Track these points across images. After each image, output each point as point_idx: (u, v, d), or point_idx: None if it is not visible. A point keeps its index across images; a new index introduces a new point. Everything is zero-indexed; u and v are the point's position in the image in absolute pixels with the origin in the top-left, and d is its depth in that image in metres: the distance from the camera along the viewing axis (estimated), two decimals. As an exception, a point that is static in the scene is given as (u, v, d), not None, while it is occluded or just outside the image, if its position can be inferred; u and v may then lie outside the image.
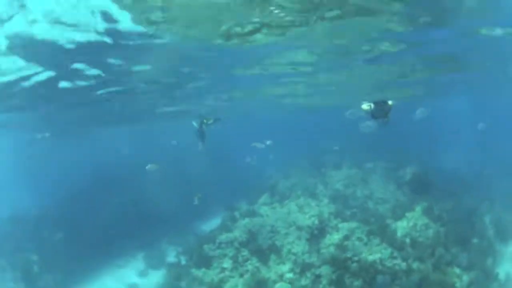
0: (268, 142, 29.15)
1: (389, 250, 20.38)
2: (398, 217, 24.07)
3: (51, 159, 59.71)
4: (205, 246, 22.52)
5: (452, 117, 63.09)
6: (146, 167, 23.72)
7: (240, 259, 21.26)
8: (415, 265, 19.91)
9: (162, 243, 33.09)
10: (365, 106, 17.62)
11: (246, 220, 23.89)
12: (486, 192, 30.67)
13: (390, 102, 17.22)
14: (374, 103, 17.27)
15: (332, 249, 20.53)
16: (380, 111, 17.26)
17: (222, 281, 20.28)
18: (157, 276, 27.28)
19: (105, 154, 49.48)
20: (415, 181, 29.72)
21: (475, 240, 23.48)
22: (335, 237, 21.47)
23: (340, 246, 20.60)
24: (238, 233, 22.46)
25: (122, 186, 37.42)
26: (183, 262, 23.84)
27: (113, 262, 31.56)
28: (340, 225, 22.72)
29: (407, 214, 24.08)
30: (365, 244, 20.94)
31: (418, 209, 24.45)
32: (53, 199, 38.15)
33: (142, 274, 30.13)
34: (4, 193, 47.88)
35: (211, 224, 29.02)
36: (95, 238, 31.40)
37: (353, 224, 22.49)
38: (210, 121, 24.30)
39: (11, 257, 28.75)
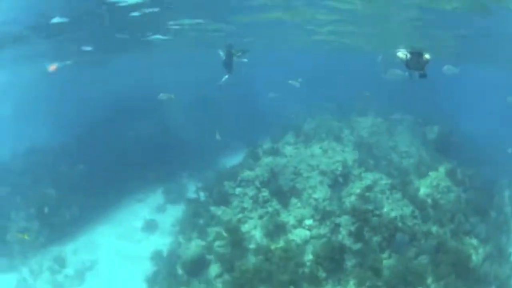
0: (300, 80, 28.12)
1: (411, 208, 19.95)
2: (422, 175, 23.58)
3: (70, 90, 58.80)
4: (226, 183, 22.04)
5: (484, 86, 61.51)
6: (158, 96, 22.30)
7: (260, 199, 20.80)
8: (434, 228, 19.54)
9: (182, 177, 32.99)
10: (401, 54, 16.51)
11: (269, 158, 23.28)
12: (507, 169, 30.23)
13: (427, 56, 16.08)
14: (411, 53, 16.23)
15: (353, 198, 20.12)
16: (416, 63, 16.20)
17: (240, 222, 19.98)
18: (176, 211, 27.24)
19: (125, 84, 48.48)
20: (440, 141, 29.11)
21: (493, 214, 23.07)
22: (358, 186, 21.02)
23: (362, 197, 20.14)
24: (260, 172, 21.89)
25: (143, 117, 36.81)
26: (203, 198, 23.29)
27: (132, 196, 31.62)
28: (363, 175, 22.20)
29: (430, 173, 23.62)
30: (387, 198, 20.53)
31: (442, 169, 23.92)
32: (71, 132, 37.57)
33: (160, 209, 30.22)
34: (21, 126, 47.49)
35: (234, 160, 28.50)
36: (114, 171, 31.20)
37: (376, 175, 21.96)
38: (238, 53, 23.25)
39: (27, 192, 28.19)
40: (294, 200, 20.63)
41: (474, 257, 18.71)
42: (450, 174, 23.59)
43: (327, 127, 27.68)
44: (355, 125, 28.74)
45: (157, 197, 31.52)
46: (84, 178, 30.48)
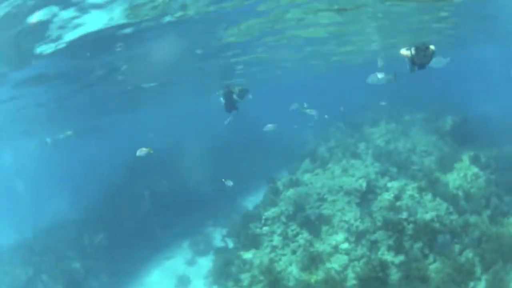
0: (305, 105, 27.68)
1: (444, 205, 19.33)
2: (447, 169, 22.97)
3: (78, 159, 59.38)
4: (251, 225, 21.56)
5: (484, 65, 61.00)
6: (137, 153, 20.56)
7: (289, 234, 20.22)
8: (472, 219, 18.85)
9: (206, 226, 32.68)
10: (405, 51, 16.01)
11: (290, 191, 22.72)
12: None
13: (432, 47, 15.73)
14: (416, 47, 15.73)
15: (384, 212, 19.59)
16: (423, 57, 15.74)
17: (273, 261, 19.30)
18: (206, 262, 27.02)
19: (131, 143, 48.80)
20: (456, 130, 28.58)
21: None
22: (386, 198, 20.45)
23: (393, 208, 19.60)
24: (284, 207, 21.31)
25: (156, 174, 36.72)
26: (231, 245, 22.95)
27: (159, 255, 31.23)
28: (389, 184, 21.69)
29: (455, 165, 23.05)
30: (418, 202, 19.97)
31: (465, 158, 23.30)
32: (87, 200, 37.60)
33: (190, 263, 29.87)
34: (38, 202, 47.74)
35: (255, 199, 28.33)
36: (137, 233, 31.08)
37: (402, 182, 21.47)
38: (236, 90, 23.09)
39: (53, 269, 28.17)
40: (324, 227, 20.01)
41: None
42: (474, 160, 22.94)
43: (342, 146, 27.30)
44: (369, 137, 28.37)
45: (184, 251, 31.20)
46: (107, 245, 30.30)
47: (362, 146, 27.01)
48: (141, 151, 20.33)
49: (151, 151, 20.15)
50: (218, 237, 28.81)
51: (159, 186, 35.62)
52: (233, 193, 33.50)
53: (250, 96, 23.23)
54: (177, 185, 35.54)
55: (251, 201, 31.43)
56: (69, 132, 45.64)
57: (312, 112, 26.87)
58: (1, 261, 29.85)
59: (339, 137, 29.65)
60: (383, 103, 32.16)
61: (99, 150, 56.74)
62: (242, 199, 34.55)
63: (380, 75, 19.90)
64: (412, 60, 15.94)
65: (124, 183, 37.09)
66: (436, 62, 17.63)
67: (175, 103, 48.42)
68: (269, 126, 24.53)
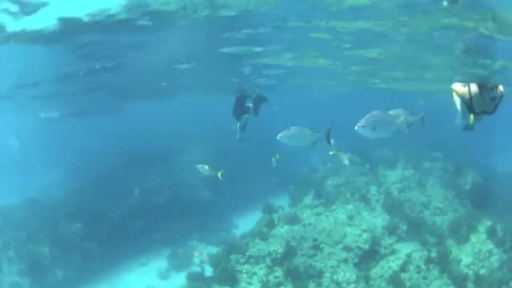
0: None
1: (451, 288, 17.33)
2: (460, 239, 20.87)
3: (70, 140, 57.97)
4: (233, 257, 19.43)
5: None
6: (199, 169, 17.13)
7: (271, 282, 18.03)
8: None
9: (190, 239, 30.53)
10: (460, 87, 10.23)
11: (285, 228, 20.54)
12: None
13: (501, 88, 9.88)
14: (479, 85, 9.93)
15: (384, 283, 17.43)
16: (489, 100, 9.93)
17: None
18: (179, 280, 24.68)
19: (131, 133, 46.76)
20: (476, 192, 26.23)
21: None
22: (390, 266, 18.32)
23: (396, 281, 17.47)
24: (273, 246, 19.18)
25: (152, 171, 34.73)
26: (207, 273, 20.71)
27: (134, 258, 29.19)
28: (395, 246, 19.58)
29: (471, 237, 20.92)
30: (424, 277, 17.91)
31: (482, 229, 21.13)
32: (74, 184, 35.74)
33: (164, 276, 27.87)
34: (18, 176, 46.47)
35: (247, 220, 26.60)
36: (117, 230, 29.01)
37: (411, 246, 19.37)
38: (252, 96, 20.86)
39: (21, 248, 26.56)
40: (311, 284, 17.77)
41: None
42: (490, 233, 20.72)
43: (352, 185, 25.10)
44: (383, 180, 26.10)
45: (161, 261, 28.99)
46: (82, 236, 28.49)
47: (373, 190, 24.77)
48: (204, 169, 16.96)
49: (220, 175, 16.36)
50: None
51: (152, 185, 33.41)
52: (227, 209, 31.91)
53: (275, 107, 21.16)
54: (170, 187, 33.47)
55: (243, 222, 30.19)
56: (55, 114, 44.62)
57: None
58: None
59: (350, 172, 27.39)
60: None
61: (95, 135, 55.12)
62: (235, 217, 32.75)
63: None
64: (469, 104, 10.27)
65: (115, 175, 34.93)
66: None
67: (190, 97, 46.20)
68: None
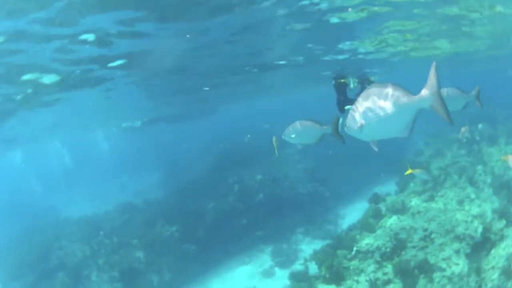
0: None
1: None
2: None
3: (165, 145, 58.90)
4: (339, 252, 18.75)
5: None
6: None
7: (380, 280, 17.15)
8: None
9: (295, 234, 30.14)
10: None
11: (393, 218, 20.20)
12: None
13: None
14: None
15: (496, 275, 16.47)
16: None
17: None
18: (283, 279, 24.15)
19: (227, 133, 47.09)
20: None
21: None
22: (501, 253, 17.31)
23: (508, 272, 16.53)
24: (381, 240, 18.67)
25: (251, 167, 34.77)
26: (312, 271, 20.64)
27: (235, 258, 29.11)
28: (505, 232, 18.52)
29: None
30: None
31: None
32: (169, 186, 36.43)
33: (267, 274, 27.28)
34: (115, 179, 47.48)
35: (353, 210, 26.09)
36: (216, 231, 29.28)
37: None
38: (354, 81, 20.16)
39: (112, 255, 27.29)
40: (422, 281, 16.79)
41: None
42: None
43: (458, 166, 24.08)
44: (488, 158, 24.96)
45: (264, 259, 28.68)
46: (178, 239, 28.94)
47: (480, 169, 23.70)
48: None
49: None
50: (306, 248, 26.92)
51: (251, 181, 33.55)
52: (332, 200, 31.39)
53: None
54: (270, 183, 33.49)
55: (349, 212, 29.76)
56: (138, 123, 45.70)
57: None
58: (62, 234, 29.43)
59: (455, 152, 26.33)
60: None
61: (190, 137, 55.78)
62: (341, 207, 32.20)
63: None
64: None
65: (212, 175, 35.51)
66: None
67: (291, 92, 45.93)
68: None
